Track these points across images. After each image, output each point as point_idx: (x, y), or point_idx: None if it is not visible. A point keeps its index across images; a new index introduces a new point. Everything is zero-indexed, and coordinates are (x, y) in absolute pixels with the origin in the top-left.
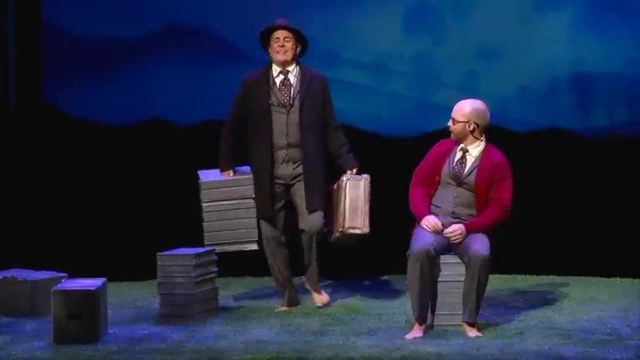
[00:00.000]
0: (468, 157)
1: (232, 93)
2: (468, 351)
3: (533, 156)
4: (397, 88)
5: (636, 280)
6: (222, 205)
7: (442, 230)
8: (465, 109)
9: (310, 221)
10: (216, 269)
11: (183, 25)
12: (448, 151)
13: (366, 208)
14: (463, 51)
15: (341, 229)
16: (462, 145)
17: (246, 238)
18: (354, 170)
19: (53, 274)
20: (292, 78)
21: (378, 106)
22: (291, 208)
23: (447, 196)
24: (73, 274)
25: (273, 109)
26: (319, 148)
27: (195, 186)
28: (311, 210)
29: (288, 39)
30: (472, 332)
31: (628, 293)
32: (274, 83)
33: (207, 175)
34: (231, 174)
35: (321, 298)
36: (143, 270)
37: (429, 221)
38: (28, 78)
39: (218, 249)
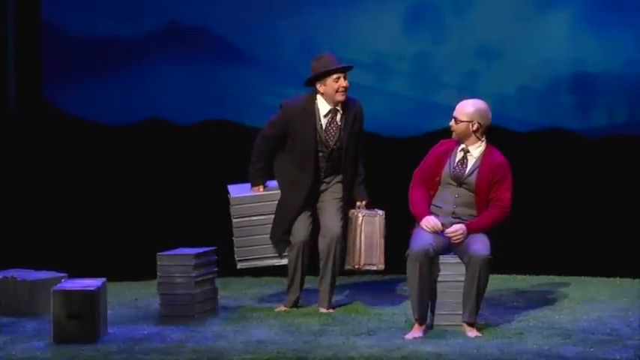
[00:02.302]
0: (469, 157)
1: (232, 93)
2: (467, 351)
3: (533, 156)
4: (397, 87)
5: (636, 280)
6: (252, 220)
7: (442, 230)
8: (468, 108)
9: (331, 227)
10: (216, 269)
11: (183, 24)
12: (449, 152)
13: (382, 243)
14: (463, 50)
15: (357, 266)
16: (462, 146)
17: (275, 254)
18: (364, 202)
19: (53, 274)
20: (339, 116)
21: (378, 105)
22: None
23: (448, 196)
24: (73, 274)
25: (318, 147)
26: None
27: (196, 187)
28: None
29: (346, 79)
30: (472, 332)
31: (628, 293)
32: (321, 125)
33: (237, 191)
34: (262, 189)
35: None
36: (143, 270)
37: (429, 221)
38: (28, 78)
39: (247, 265)
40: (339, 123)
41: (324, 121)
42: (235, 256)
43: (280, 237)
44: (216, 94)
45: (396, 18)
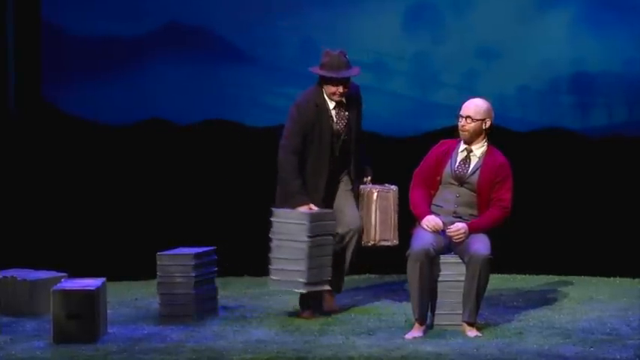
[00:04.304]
0: (472, 157)
1: (232, 93)
2: (467, 351)
3: (532, 155)
4: (397, 87)
5: (636, 280)
6: (323, 239)
7: (443, 230)
8: (482, 106)
9: (353, 219)
10: (215, 269)
11: (183, 24)
12: (450, 151)
13: (395, 219)
14: (463, 50)
15: (372, 242)
16: (465, 145)
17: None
18: (369, 178)
19: (53, 273)
20: (344, 106)
21: (378, 105)
22: None
23: (449, 195)
24: (73, 274)
25: (333, 141)
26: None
27: (196, 187)
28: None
29: (346, 86)
30: (472, 332)
31: (628, 293)
32: (333, 118)
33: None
34: (313, 207)
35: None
36: (143, 270)
37: (430, 221)
38: (27, 77)
39: (312, 289)
40: (346, 113)
41: (333, 114)
42: (302, 279)
43: None
44: (216, 94)
45: (395, 18)
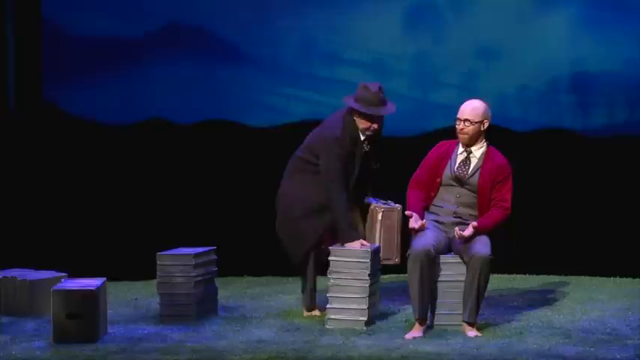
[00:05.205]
0: (471, 158)
1: (232, 93)
2: (467, 351)
3: (532, 155)
4: (397, 87)
5: (636, 280)
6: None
7: (446, 231)
8: (480, 108)
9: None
10: (216, 269)
11: (183, 24)
12: (449, 153)
13: (398, 238)
14: (463, 50)
15: None
16: (465, 147)
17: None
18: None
19: (53, 273)
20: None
21: None
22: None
23: (449, 196)
24: (73, 274)
25: (356, 171)
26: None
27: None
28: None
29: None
30: (472, 332)
31: (628, 293)
32: (364, 148)
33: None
34: (365, 243)
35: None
36: (143, 270)
37: (412, 223)
38: (27, 77)
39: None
40: (368, 148)
41: (364, 146)
42: (363, 317)
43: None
44: (216, 94)
45: (395, 18)
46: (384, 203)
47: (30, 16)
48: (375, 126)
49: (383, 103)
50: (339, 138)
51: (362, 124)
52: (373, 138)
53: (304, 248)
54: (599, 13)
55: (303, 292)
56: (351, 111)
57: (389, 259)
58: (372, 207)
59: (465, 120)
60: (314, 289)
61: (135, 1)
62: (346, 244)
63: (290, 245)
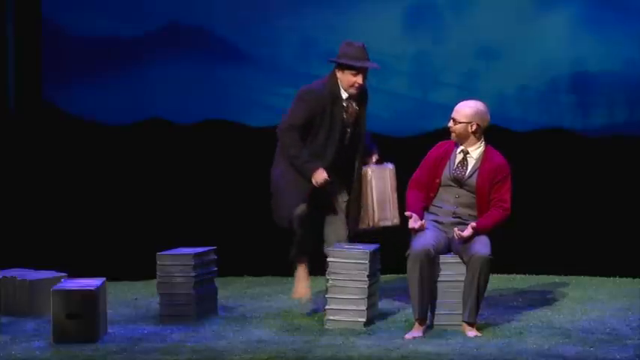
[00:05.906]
0: (469, 159)
1: (232, 93)
2: (467, 351)
3: (532, 155)
4: (397, 87)
5: (636, 280)
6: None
7: (446, 231)
8: (467, 109)
9: (340, 232)
10: (215, 269)
11: (183, 24)
12: (448, 153)
13: (394, 197)
14: (463, 50)
15: (371, 224)
16: (462, 147)
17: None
18: (374, 157)
19: (53, 273)
20: (354, 101)
21: (378, 105)
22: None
23: (448, 197)
24: (73, 274)
25: (341, 132)
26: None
27: (196, 187)
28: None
29: (365, 77)
30: (472, 332)
31: (628, 293)
32: (344, 106)
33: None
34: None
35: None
36: (143, 270)
37: (411, 223)
38: (27, 77)
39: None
40: (356, 107)
41: (345, 105)
42: (362, 318)
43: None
44: (216, 94)
45: (395, 18)
46: (377, 165)
47: (30, 16)
48: (360, 80)
49: (367, 58)
50: (311, 88)
51: (346, 80)
52: (358, 96)
53: (288, 212)
54: (599, 13)
55: (296, 251)
56: (337, 71)
57: (385, 218)
58: (363, 169)
59: (453, 118)
60: (306, 242)
61: (135, 1)
62: (313, 179)
63: (276, 210)
